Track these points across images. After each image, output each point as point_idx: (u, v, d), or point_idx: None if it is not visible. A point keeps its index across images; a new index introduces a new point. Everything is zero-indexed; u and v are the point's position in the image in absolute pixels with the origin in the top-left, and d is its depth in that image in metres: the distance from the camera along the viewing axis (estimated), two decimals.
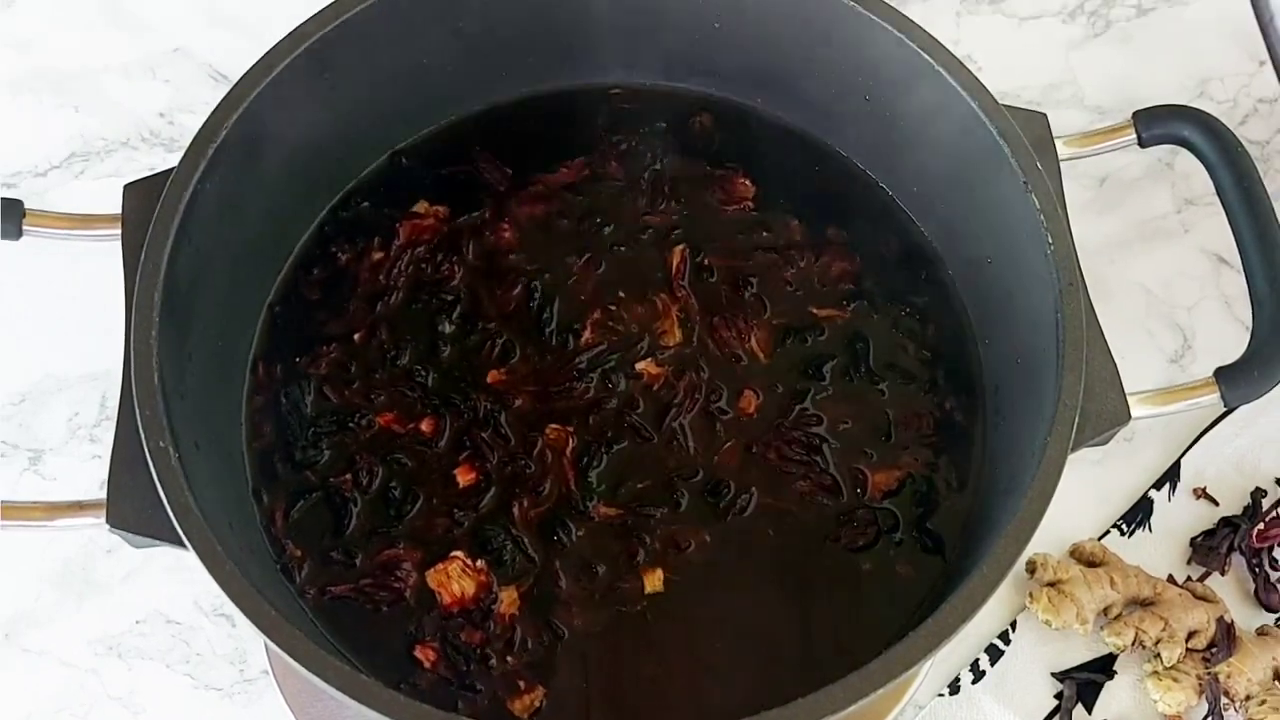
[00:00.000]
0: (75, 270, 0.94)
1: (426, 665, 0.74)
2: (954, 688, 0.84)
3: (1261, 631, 0.85)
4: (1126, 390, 0.73)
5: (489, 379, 0.81)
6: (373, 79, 0.82)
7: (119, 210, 0.75)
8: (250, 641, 0.85)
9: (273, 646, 0.64)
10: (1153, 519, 0.89)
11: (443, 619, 0.75)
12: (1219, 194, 0.80)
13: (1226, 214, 0.79)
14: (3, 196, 0.77)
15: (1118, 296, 0.95)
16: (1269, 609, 0.87)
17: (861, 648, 0.70)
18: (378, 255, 0.85)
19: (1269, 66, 1.05)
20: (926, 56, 0.78)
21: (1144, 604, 0.84)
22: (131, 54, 1.04)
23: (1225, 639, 0.83)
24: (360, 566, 0.77)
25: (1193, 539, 0.89)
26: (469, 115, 0.89)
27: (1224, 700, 0.83)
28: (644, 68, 0.89)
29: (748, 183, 0.88)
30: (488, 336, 0.82)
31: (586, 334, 0.82)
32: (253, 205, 0.79)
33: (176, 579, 0.86)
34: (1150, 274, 0.97)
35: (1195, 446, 0.91)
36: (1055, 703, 0.84)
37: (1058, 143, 0.80)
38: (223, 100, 0.75)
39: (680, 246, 0.85)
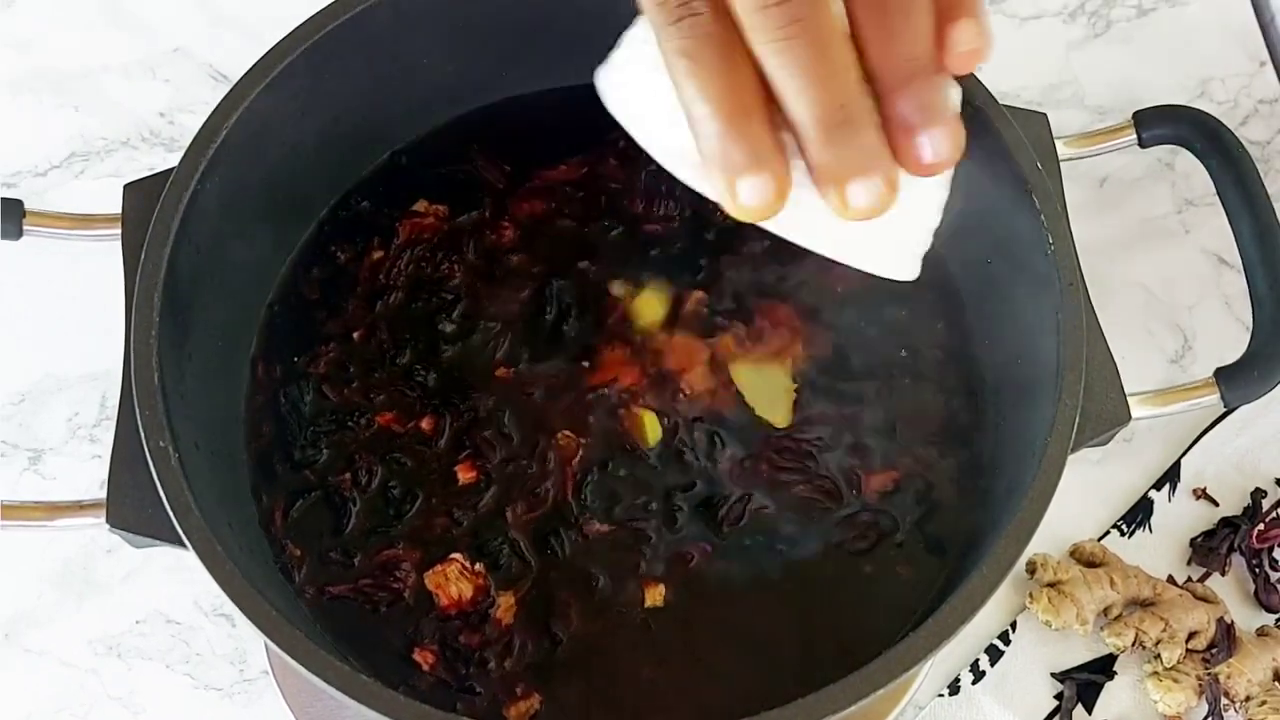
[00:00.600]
0: (75, 270, 0.94)
1: (425, 668, 0.74)
2: (954, 688, 0.84)
3: (1261, 632, 0.85)
4: (1126, 390, 0.73)
5: (497, 374, 0.81)
6: (373, 79, 0.82)
7: (119, 210, 0.75)
8: (250, 641, 0.85)
9: (273, 646, 0.64)
10: (1153, 519, 0.89)
11: (440, 621, 0.75)
12: (1219, 194, 0.80)
13: (1227, 214, 0.79)
14: (3, 196, 0.77)
15: (1118, 296, 0.95)
16: (1269, 609, 0.86)
17: (862, 648, 0.70)
18: (377, 254, 0.85)
19: (1269, 67, 1.05)
20: None
21: (1144, 604, 0.84)
22: (131, 54, 1.04)
23: (1225, 639, 0.83)
24: (359, 566, 0.77)
25: (1193, 539, 0.88)
26: (470, 114, 0.89)
27: (1224, 701, 0.83)
28: None
29: None
30: (489, 336, 0.82)
31: (603, 361, 0.82)
32: (253, 205, 0.79)
33: (176, 579, 0.86)
34: (1150, 274, 0.97)
35: (1195, 447, 0.91)
36: (1055, 703, 0.84)
37: (1058, 143, 0.80)
38: (223, 100, 0.75)
39: (698, 294, 0.84)
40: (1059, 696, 0.84)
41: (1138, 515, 0.89)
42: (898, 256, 0.57)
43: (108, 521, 0.69)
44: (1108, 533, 0.89)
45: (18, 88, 1.02)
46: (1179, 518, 0.89)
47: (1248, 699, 0.83)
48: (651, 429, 0.80)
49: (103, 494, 0.69)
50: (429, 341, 0.82)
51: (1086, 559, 0.86)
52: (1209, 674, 0.83)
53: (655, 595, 0.76)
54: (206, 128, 0.74)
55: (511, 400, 0.81)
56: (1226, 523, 0.88)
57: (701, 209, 0.87)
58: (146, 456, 0.67)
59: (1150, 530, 0.89)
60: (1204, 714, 0.83)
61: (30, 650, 0.85)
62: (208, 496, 0.68)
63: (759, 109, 0.49)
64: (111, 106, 1.02)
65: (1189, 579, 0.87)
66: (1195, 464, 0.91)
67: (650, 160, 0.88)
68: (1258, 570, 0.87)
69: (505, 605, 0.76)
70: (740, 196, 0.50)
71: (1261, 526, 0.87)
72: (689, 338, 0.83)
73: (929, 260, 0.86)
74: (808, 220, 0.52)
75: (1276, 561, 0.87)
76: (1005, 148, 0.76)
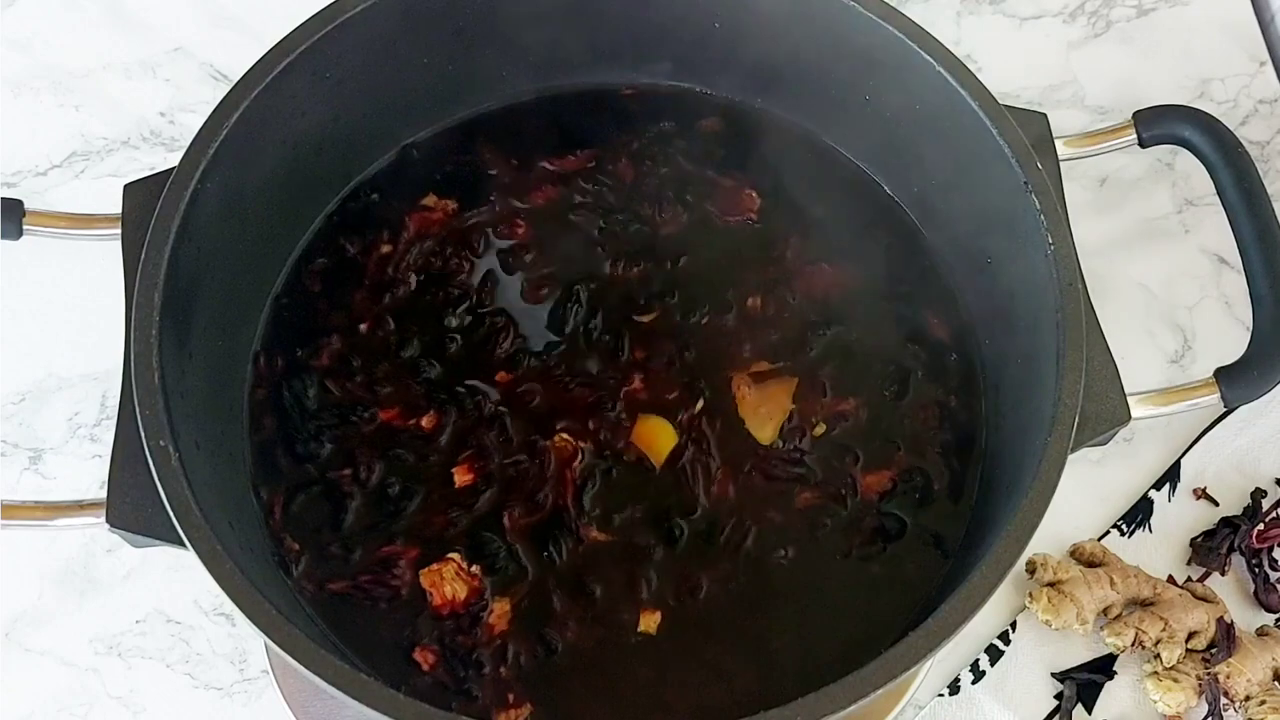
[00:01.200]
0: (75, 270, 0.94)
1: (425, 667, 0.74)
2: (954, 688, 0.84)
3: (1261, 632, 0.85)
4: (1126, 390, 0.73)
5: (501, 374, 0.81)
6: (373, 78, 0.82)
7: (119, 210, 0.75)
8: (250, 641, 0.85)
9: (272, 646, 0.64)
10: (1153, 519, 0.89)
11: (435, 620, 0.75)
12: (1219, 194, 0.80)
13: (1227, 214, 0.79)
14: (3, 196, 0.77)
15: (1118, 296, 0.95)
16: (1269, 609, 0.87)
17: (862, 648, 0.70)
18: (386, 248, 0.85)
19: (1269, 67, 1.05)
20: (927, 57, 0.78)
21: (1144, 604, 0.84)
22: (132, 54, 1.04)
23: (1225, 639, 0.83)
24: (357, 562, 0.77)
25: (1193, 539, 0.88)
26: (472, 113, 0.89)
27: (1224, 700, 0.83)
28: (648, 68, 0.89)
29: (753, 194, 0.88)
30: (496, 333, 0.82)
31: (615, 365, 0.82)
32: (254, 204, 0.79)
33: (176, 579, 0.86)
34: (1150, 274, 0.97)
35: (1195, 447, 0.91)
36: (1055, 703, 0.84)
37: (1058, 143, 0.80)
38: (223, 100, 0.75)
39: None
40: (1059, 696, 0.84)
41: (1138, 515, 0.89)
42: None
43: (108, 521, 0.69)
44: (1108, 533, 0.89)
45: (18, 87, 1.02)
46: (1179, 518, 0.89)
47: (1247, 699, 0.83)
48: (665, 438, 0.80)
49: (103, 494, 0.69)
50: (435, 336, 0.82)
51: (1086, 559, 0.86)
52: (1209, 674, 0.83)
53: (650, 622, 0.76)
54: (207, 127, 0.74)
55: (515, 401, 0.81)
56: (1226, 523, 0.88)
57: (709, 212, 0.87)
58: (146, 456, 0.67)
59: (1150, 530, 0.89)
60: (1204, 714, 0.83)
61: (30, 649, 0.85)
62: (208, 496, 0.68)
63: None
64: (112, 106, 1.02)
65: (1189, 579, 0.87)
66: (1195, 464, 0.91)
67: (657, 165, 0.88)
68: (1258, 570, 0.87)
69: (500, 611, 0.76)
70: None
71: (1261, 526, 0.87)
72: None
73: (928, 260, 0.87)
74: None
75: (1276, 561, 0.87)
76: (1005, 148, 0.76)
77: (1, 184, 0.98)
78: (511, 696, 0.74)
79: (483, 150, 0.88)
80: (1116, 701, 0.84)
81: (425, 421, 0.80)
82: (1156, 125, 0.82)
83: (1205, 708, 0.83)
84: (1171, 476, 0.90)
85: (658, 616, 0.76)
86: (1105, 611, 0.84)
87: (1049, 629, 0.84)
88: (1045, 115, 0.80)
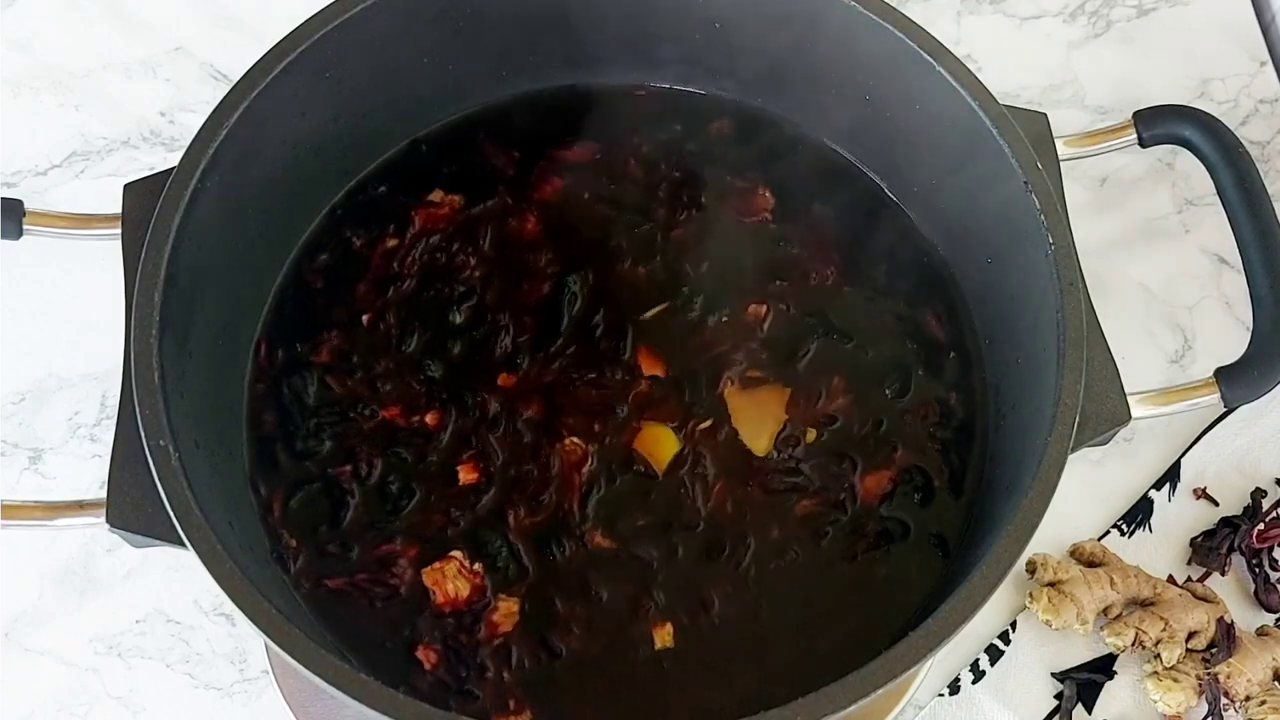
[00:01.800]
0: (75, 270, 0.94)
1: (428, 666, 0.74)
2: (954, 688, 0.84)
3: (1261, 631, 0.85)
4: (1126, 390, 0.73)
5: (505, 372, 0.81)
6: (374, 78, 0.82)
7: (119, 210, 0.75)
8: (250, 641, 0.85)
9: (272, 646, 0.64)
10: (1153, 519, 0.89)
11: (436, 619, 0.75)
12: (1219, 194, 0.80)
13: (1227, 214, 0.79)
14: (3, 196, 0.77)
15: (1118, 296, 0.95)
16: (1269, 609, 0.86)
17: (862, 648, 0.70)
18: (392, 242, 0.85)
19: (1270, 67, 1.05)
20: (927, 57, 0.78)
21: (1144, 604, 0.84)
22: (132, 53, 1.04)
23: (1225, 639, 0.83)
24: (356, 560, 0.77)
25: (1193, 539, 0.88)
26: (473, 112, 0.89)
27: (1224, 700, 0.83)
28: (649, 69, 0.89)
29: (768, 194, 0.88)
30: (501, 331, 0.82)
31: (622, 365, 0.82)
32: (254, 203, 0.79)
33: (176, 578, 0.86)
34: (1150, 274, 0.97)
35: (1195, 447, 0.91)
36: (1055, 703, 0.84)
37: (1058, 143, 0.80)
38: (223, 100, 0.75)
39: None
40: (1059, 696, 0.84)
41: (1138, 515, 0.89)
42: None
43: (108, 521, 0.69)
44: (1108, 533, 0.89)
45: (18, 87, 1.02)
46: (1179, 518, 0.89)
47: (1247, 699, 0.83)
48: (668, 445, 0.80)
49: (103, 494, 0.69)
50: (438, 332, 0.82)
51: (1086, 559, 0.86)
52: (1209, 674, 0.83)
53: (657, 634, 0.76)
54: (207, 127, 0.74)
55: (520, 400, 0.81)
56: (1226, 523, 0.88)
57: (717, 216, 0.87)
58: (146, 456, 0.67)
59: (1150, 530, 0.89)
60: (1204, 714, 0.83)
61: (31, 649, 0.85)
62: (208, 495, 0.68)
63: None
64: (112, 106, 1.02)
65: (1189, 579, 0.87)
66: (1195, 464, 0.91)
67: (668, 169, 0.87)
68: (1258, 570, 0.87)
69: (506, 612, 0.76)
70: None
71: (1261, 526, 0.87)
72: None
73: (929, 260, 0.87)
74: None
75: (1276, 561, 0.87)
76: (1005, 148, 0.76)
77: (1, 184, 0.98)
78: (512, 702, 0.74)
79: (487, 146, 0.88)
80: (1116, 701, 0.84)
81: (428, 419, 0.80)
82: (1157, 125, 0.82)
83: (1205, 708, 0.83)
84: (1171, 476, 0.90)
85: (666, 628, 0.76)
86: (1105, 611, 0.84)
87: (1049, 629, 0.84)
88: (1045, 115, 0.80)
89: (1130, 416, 0.73)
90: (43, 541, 0.87)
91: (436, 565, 0.76)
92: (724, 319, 0.83)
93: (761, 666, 0.75)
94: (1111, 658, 0.85)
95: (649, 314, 0.83)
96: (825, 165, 0.88)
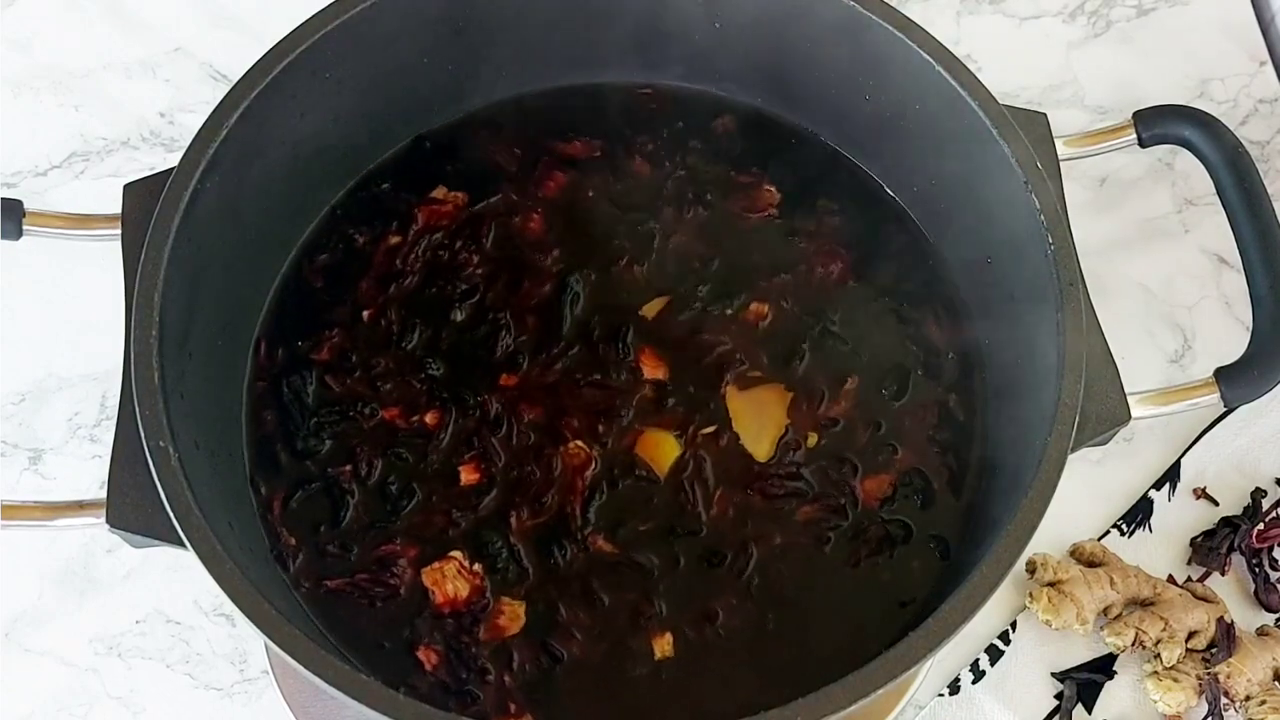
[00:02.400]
0: (75, 270, 0.94)
1: (428, 667, 0.74)
2: (954, 688, 0.84)
3: (1261, 631, 0.85)
4: (1126, 390, 0.73)
5: (507, 372, 0.81)
6: (374, 78, 0.82)
7: (119, 210, 0.75)
8: (250, 641, 0.85)
9: (272, 646, 0.64)
10: (1153, 519, 0.89)
11: (435, 619, 0.75)
12: (1219, 194, 0.80)
13: (1227, 214, 0.79)
14: (3, 196, 0.77)
15: (1118, 296, 0.95)
16: (1269, 609, 0.86)
17: (863, 648, 0.70)
18: (395, 239, 0.85)
19: (1269, 67, 1.05)
20: (927, 56, 0.78)
21: (1144, 604, 0.84)
22: (132, 54, 1.04)
23: (1225, 639, 0.83)
24: (356, 560, 0.77)
25: (1193, 539, 0.88)
26: (476, 111, 0.89)
27: (1224, 700, 0.83)
28: (649, 69, 0.89)
29: (773, 190, 0.88)
30: (503, 330, 0.82)
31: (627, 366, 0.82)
32: (254, 203, 0.79)
33: (176, 579, 0.86)
34: (1150, 274, 0.97)
35: (1195, 446, 0.91)
36: (1055, 703, 0.84)
37: (1058, 143, 0.80)
38: (223, 100, 0.75)
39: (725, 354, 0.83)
40: (1059, 696, 0.84)
41: (1138, 515, 0.89)
42: None
43: (108, 521, 0.69)
44: (1108, 533, 0.89)
45: (18, 87, 1.02)
46: (1179, 518, 0.89)
47: (1248, 698, 0.83)
48: (669, 450, 0.80)
49: (103, 494, 0.69)
50: (439, 330, 0.82)
51: (1086, 559, 0.86)
52: (1209, 673, 0.83)
53: (659, 643, 0.75)
54: (207, 128, 0.74)
55: (521, 401, 0.80)
56: (1226, 522, 0.88)
57: (722, 212, 0.87)
58: (146, 456, 0.67)
59: (1150, 530, 0.89)
60: (1204, 714, 0.83)
61: (30, 650, 0.85)
62: (207, 496, 0.69)
63: None
64: (112, 106, 1.02)
65: (1189, 579, 0.87)
66: (1195, 464, 0.91)
67: (673, 167, 0.87)
68: (1258, 570, 0.87)
69: (511, 615, 0.75)
70: None
71: (1261, 526, 0.87)
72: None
73: (929, 261, 0.87)
74: None
75: (1276, 561, 0.87)
76: (1005, 147, 0.76)
77: (1, 184, 0.98)
78: (513, 706, 0.74)
79: (490, 144, 0.88)
80: (1116, 701, 0.84)
81: (429, 419, 0.80)
82: (1156, 125, 0.82)
83: (1205, 708, 0.83)
84: (1171, 476, 0.90)
85: (667, 637, 0.75)
86: (1105, 611, 0.84)
87: (1049, 629, 0.84)
88: (1045, 115, 0.80)
89: (1130, 416, 0.73)
90: (43, 541, 0.87)
91: (436, 565, 0.76)
92: (726, 317, 0.83)
93: (762, 672, 0.75)
94: (1111, 658, 0.85)
95: (650, 308, 0.83)
96: (825, 165, 0.88)
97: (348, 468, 0.79)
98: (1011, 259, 0.78)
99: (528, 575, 0.76)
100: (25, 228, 0.77)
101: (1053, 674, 0.85)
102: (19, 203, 0.76)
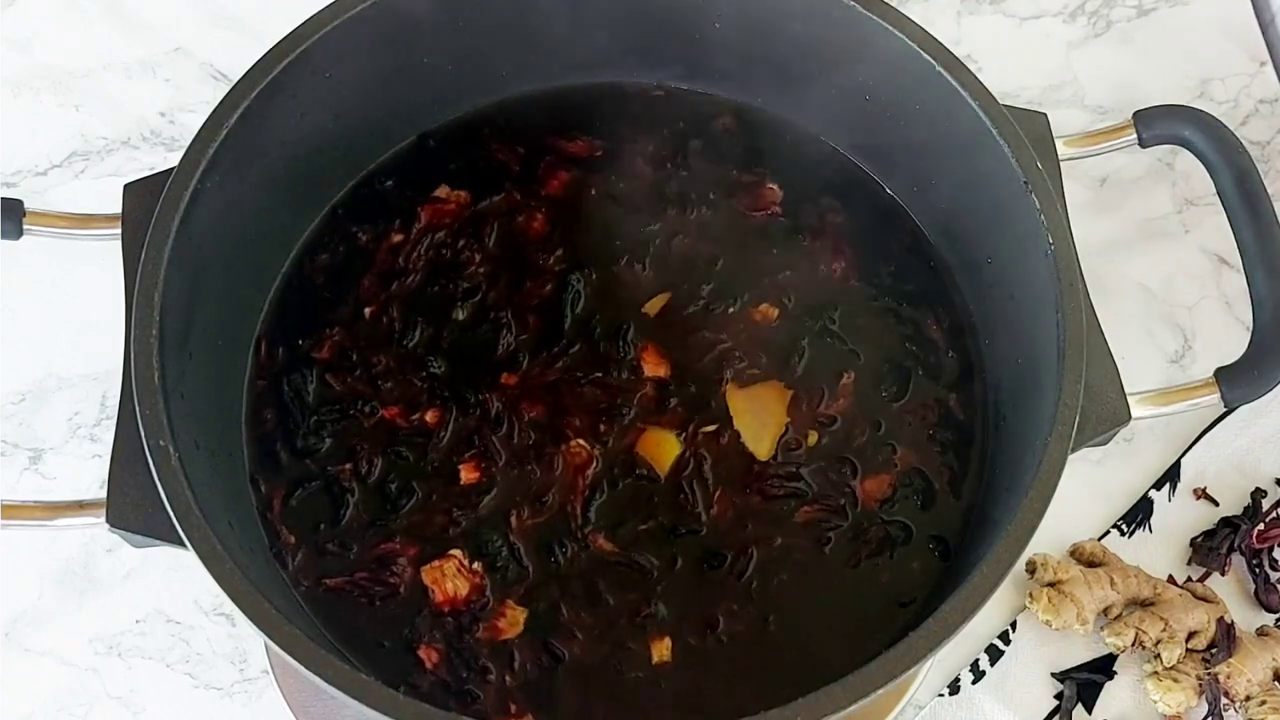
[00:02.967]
0: (75, 270, 0.94)
1: (429, 665, 0.74)
2: (954, 688, 0.84)
3: (1261, 632, 0.85)
4: (1126, 390, 0.73)
5: (509, 371, 0.81)
6: (374, 78, 0.82)
7: (119, 210, 0.75)
8: (250, 641, 0.85)
9: (272, 646, 0.64)
10: (1153, 519, 0.89)
11: (434, 618, 0.75)
12: (1219, 194, 0.80)
13: (1227, 214, 0.79)
14: (3, 196, 0.77)
15: (1118, 296, 0.95)
16: (1269, 609, 0.87)
17: (862, 648, 0.70)
18: (397, 238, 0.85)
19: (1269, 67, 1.05)
20: (927, 56, 0.78)
21: (1144, 604, 0.84)
22: (132, 53, 1.04)
23: (1225, 639, 0.83)
24: (355, 558, 0.77)
25: (1193, 539, 0.88)
26: (477, 111, 0.89)
27: (1224, 700, 0.83)
28: (649, 69, 0.89)
29: (775, 188, 0.88)
30: (505, 329, 0.82)
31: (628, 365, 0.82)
32: (255, 202, 0.79)
33: (176, 578, 0.86)
34: (1150, 274, 0.97)
35: (1195, 447, 0.91)
36: (1055, 703, 0.84)
37: (1058, 143, 0.80)
38: (223, 100, 0.75)
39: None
40: (1059, 696, 0.84)
41: (1138, 515, 0.89)
42: None
43: (108, 521, 0.69)
44: (1108, 533, 0.89)
45: (18, 87, 1.02)
46: (1179, 518, 0.89)
47: (1248, 699, 0.83)
48: (670, 449, 0.80)
49: (103, 494, 0.69)
50: (441, 328, 0.82)
51: (1086, 559, 0.86)
52: (1209, 674, 0.83)
53: (659, 646, 0.75)
54: (207, 127, 0.74)
55: (522, 400, 0.80)
56: (1226, 523, 0.88)
57: (725, 211, 0.87)
58: (146, 456, 0.67)
59: (1150, 530, 0.89)
60: (1204, 714, 0.83)
61: (30, 649, 0.85)
62: (208, 496, 0.69)
63: None
64: (112, 106, 1.02)
65: (1189, 579, 0.87)
66: (1195, 464, 0.91)
67: (675, 167, 0.87)
68: (1258, 570, 0.87)
69: (512, 619, 0.75)
70: None
71: (1261, 526, 0.87)
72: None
73: (929, 260, 0.87)
74: None
75: (1276, 561, 0.87)
76: (1005, 148, 0.76)
77: (1, 184, 0.98)
78: (513, 706, 0.74)
79: (493, 143, 0.88)
80: (1116, 701, 0.84)
81: (429, 417, 0.80)
82: (1157, 125, 0.82)
83: (1205, 708, 0.83)
84: (1171, 476, 0.90)
85: (667, 641, 0.75)
86: (1105, 611, 0.84)
87: (1049, 629, 0.84)
88: (1045, 115, 0.80)
89: (1130, 416, 0.73)
90: (43, 541, 0.87)
91: (435, 564, 0.76)
92: (728, 316, 0.83)
93: (762, 673, 0.75)
94: (1111, 658, 0.85)
95: (652, 305, 0.83)
96: (825, 165, 0.88)
97: (348, 466, 0.79)
98: (1011, 259, 0.78)
99: (528, 574, 0.76)
100: (25, 227, 0.77)
101: (1053, 674, 0.85)
102: (19, 202, 0.76)
